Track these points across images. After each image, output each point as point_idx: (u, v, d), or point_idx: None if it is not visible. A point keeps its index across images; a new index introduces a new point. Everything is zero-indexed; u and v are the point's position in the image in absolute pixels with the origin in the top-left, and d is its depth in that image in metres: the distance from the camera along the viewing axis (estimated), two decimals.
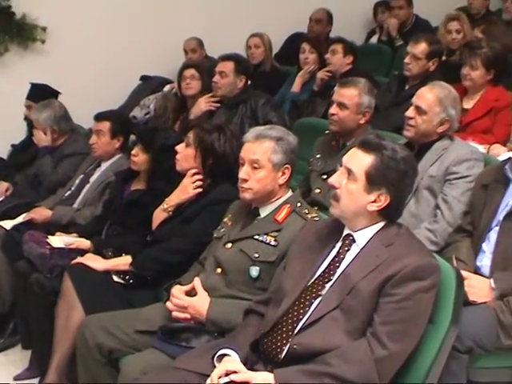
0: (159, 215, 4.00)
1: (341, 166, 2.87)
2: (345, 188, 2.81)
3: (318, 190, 4.37)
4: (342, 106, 4.41)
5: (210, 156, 3.89)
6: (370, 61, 6.95)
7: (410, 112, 3.96)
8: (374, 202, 2.79)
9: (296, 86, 6.24)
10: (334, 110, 4.45)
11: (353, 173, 2.79)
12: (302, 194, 4.28)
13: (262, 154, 3.32)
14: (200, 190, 3.91)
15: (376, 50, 7.49)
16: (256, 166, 3.32)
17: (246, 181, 3.33)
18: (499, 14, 7.52)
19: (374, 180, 2.77)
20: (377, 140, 2.83)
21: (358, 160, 2.80)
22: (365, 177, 2.78)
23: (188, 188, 3.92)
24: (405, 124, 4.00)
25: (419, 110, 3.93)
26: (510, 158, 3.55)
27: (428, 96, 3.95)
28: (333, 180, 2.86)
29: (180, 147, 3.96)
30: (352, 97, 4.41)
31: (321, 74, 6.03)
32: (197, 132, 3.92)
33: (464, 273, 3.27)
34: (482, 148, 4.42)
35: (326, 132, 4.65)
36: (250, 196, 3.34)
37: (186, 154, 3.93)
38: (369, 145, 2.81)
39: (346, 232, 2.89)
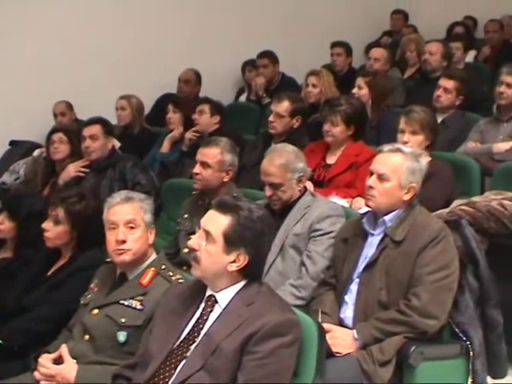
0: None
1: (199, 228, 2.92)
2: (204, 250, 2.86)
3: (186, 250, 4.39)
4: (205, 165, 4.52)
5: (81, 226, 3.88)
6: (239, 119, 7.12)
7: (268, 191, 4.09)
8: (234, 262, 2.84)
9: (165, 147, 6.33)
10: (197, 169, 4.55)
11: (211, 235, 2.84)
12: (172, 254, 4.37)
13: (135, 214, 3.37)
14: None
15: (245, 109, 7.67)
16: (132, 225, 3.36)
17: (124, 242, 3.34)
18: (362, 69, 7.82)
19: (231, 241, 2.82)
20: (232, 201, 2.90)
21: (215, 222, 2.86)
22: (223, 238, 2.83)
23: None
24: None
25: (273, 186, 4.06)
26: (367, 212, 3.69)
27: (272, 170, 4.09)
28: (192, 242, 2.91)
29: (48, 226, 3.90)
30: (214, 155, 4.52)
31: (189, 135, 6.13)
32: (65, 208, 3.88)
33: (327, 325, 3.39)
34: (345, 202, 4.56)
35: (193, 192, 4.71)
36: (130, 257, 3.35)
37: (57, 232, 3.89)
38: (225, 206, 2.88)
39: (208, 293, 2.93)
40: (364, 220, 3.64)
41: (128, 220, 3.37)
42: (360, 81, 6.01)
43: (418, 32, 9.11)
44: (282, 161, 4.07)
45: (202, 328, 2.86)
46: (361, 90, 5.95)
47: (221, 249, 2.83)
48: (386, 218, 3.55)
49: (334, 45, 7.91)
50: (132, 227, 3.37)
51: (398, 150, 3.59)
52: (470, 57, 8.55)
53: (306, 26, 8.90)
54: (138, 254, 3.36)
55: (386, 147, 3.64)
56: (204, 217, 2.93)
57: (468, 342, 3.53)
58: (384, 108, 5.98)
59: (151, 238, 3.42)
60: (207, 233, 2.85)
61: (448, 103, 5.76)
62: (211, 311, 2.89)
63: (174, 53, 7.73)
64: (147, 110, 7.26)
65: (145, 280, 3.34)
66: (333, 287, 3.69)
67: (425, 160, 3.80)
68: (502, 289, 3.80)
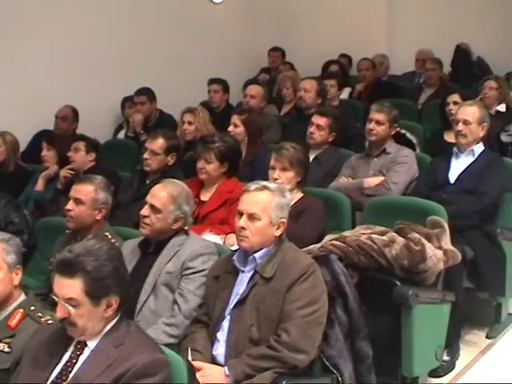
0: None
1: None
2: (75, 315, 2.81)
3: None
4: (78, 201, 4.50)
5: None
6: (117, 156, 7.10)
7: (145, 211, 4.06)
8: (108, 307, 2.83)
9: (39, 186, 6.24)
10: (70, 205, 4.52)
11: (74, 299, 2.80)
12: (45, 295, 4.27)
13: None
14: None
15: (123, 145, 7.63)
16: None
17: None
18: (240, 106, 7.92)
19: (96, 295, 2.81)
20: (73, 259, 2.82)
21: (70, 288, 2.80)
22: (86, 297, 2.80)
23: None
24: (140, 222, 4.08)
25: (154, 209, 4.03)
26: (238, 249, 3.72)
27: (161, 194, 4.07)
28: (59, 314, 2.84)
29: None
30: (88, 193, 4.50)
31: (64, 172, 6.07)
32: None
33: (198, 363, 3.42)
34: (218, 238, 4.60)
35: (67, 231, 4.66)
36: None
37: None
38: (69, 269, 2.80)
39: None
40: (234, 257, 3.68)
41: None
42: (235, 119, 6.08)
43: (295, 69, 9.33)
44: (174, 192, 4.07)
45: (70, 371, 2.83)
46: (236, 127, 6.02)
47: (90, 306, 2.81)
48: (256, 255, 3.60)
49: (211, 82, 7.97)
50: None
51: (265, 188, 3.65)
52: (345, 94, 8.82)
53: (184, 63, 8.97)
54: (1, 297, 3.28)
55: (252, 186, 3.68)
56: (55, 286, 2.86)
57: (339, 375, 3.60)
58: (259, 144, 6.06)
59: (16, 278, 3.32)
60: (70, 299, 2.80)
61: (321, 140, 5.88)
62: (80, 354, 2.86)
63: (51, 89, 7.60)
64: (24, 146, 7.13)
65: (13, 322, 3.25)
66: (205, 325, 3.69)
67: (290, 195, 3.87)
68: (372, 321, 3.90)
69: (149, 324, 3.79)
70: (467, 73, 8.93)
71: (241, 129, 6.02)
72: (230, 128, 6.04)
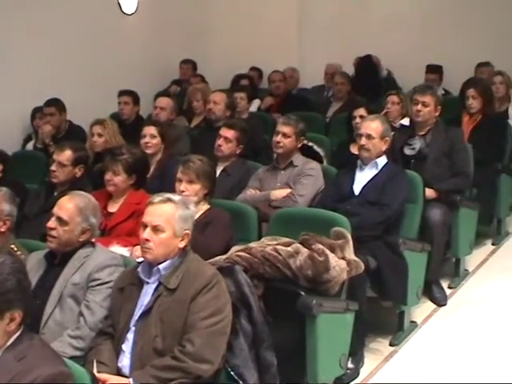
0: None
1: None
2: None
3: None
4: None
5: None
6: (25, 167, 6.98)
7: (51, 223, 4.04)
8: (11, 321, 2.80)
9: None
10: None
11: None
12: None
13: None
14: None
15: (31, 157, 7.53)
16: None
17: None
18: (149, 119, 7.91)
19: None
20: None
21: None
22: None
23: None
24: (47, 235, 4.06)
25: (60, 221, 4.02)
26: (143, 261, 3.75)
27: (68, 206, 4.06)
28: None
29: None
30: None
31: None
32: None
33: (104, 375, 3.44)
34: (125, 250, 4.61)
35: None
36: None
37: None
38: None
39: None
40: (139, 269, 3.71)
41: None
42: (151, 129, 6.13)
43: (206, 82, 9.39)
44: (81, 204, 4.07)
45: None
46: (153, 138, 6.07)
47: None
48: (161, 266, 3.63)
49: (121, 93, 7.95)
50: None
51: (169, 200, 3.70)
52: (255, 106, 8.91)
53: (95, 74, 8.93)
54: None
55: (157, 198, 3.73)
56: None
57: None
58: (168, 157, 6.10)
59: None
60: None
61: (229, 152, 5.95)
62: None
63: None
64: None
65: None
66: (111, 336, 3.70)
67: (194, 207, 3.94)
68: (278, 331, 3.98)
69: (55, 336, 3.77)
70: (375, 86, 9.15)
71: (158, 140, 6.05)
72: (147, 139, 6.06)
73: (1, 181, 5.78)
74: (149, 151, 5.99)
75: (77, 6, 8.67)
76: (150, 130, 6.14)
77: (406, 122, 6.86)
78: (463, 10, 9.60)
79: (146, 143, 6.04)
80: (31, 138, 8.20)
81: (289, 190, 5.57)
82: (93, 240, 4.14)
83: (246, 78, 9.67)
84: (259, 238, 4.81)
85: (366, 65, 9.49)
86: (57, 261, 4.06)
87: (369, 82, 9.29)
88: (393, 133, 5.71)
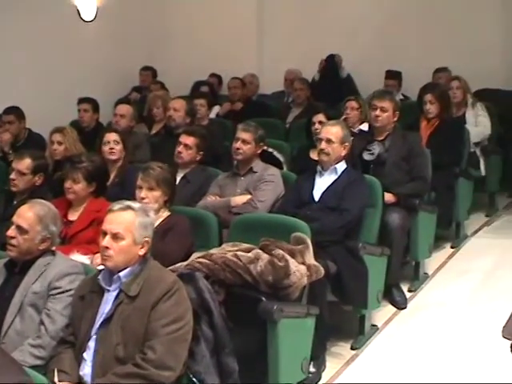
0: None
1: None
2: None
3: None
4: None
5: None
6: None
7: (11, 231, 4.03)
8: None
9: None
10: None
11: None
12: None
13: None
14: None
15: None
16: None
17: None
18: (109, 126, 7.86)
19: None
20: None
21: None
22: None
23: None
24: (7, 243, 4.04)
25: (20, 229, 4.01)
26: (103, 269, 3.75)
27: (28, 215, 4.05)
28: None
29: None
30: None
31: None
32: None
33: None
34: (86, 258, 4.60)
35: None
36: None
37: None
38: None
39: None
40: (100, 277, 3.71)
41: None
42: (114, 136, 6.13)
43: (166, 89, 9.38)
44: (41, 212, 4.07)
45: None
46: (117, 145, 6.07)
47: None
48: (121, 274, 3.64)
49: (81, 101, 7.92)
50: None
51: (128, 208, 3.71)
52: (215, 112, 8.93)
53: (54, 81, 8.89)
54: None
55: (116, 206, 3.73)
56: None
57: None
58: (128, 164, 6.09)
59: None
60: None
61: (189, 159, 5.96)
62: None
63: None
64: None
65: None
66: (72, 345, 3.70)
67: (154, 214, 3.95)
68: (240, 336, 4.00)
69: (15, 345, 3.76)
70: (335, 88, 9.21)
71: (120, 146, 6.07)
72: (111, 145, 6.06)
73: None
74: (113, 157, 6.01)
75: (35, 12, 8.64)
76: (113, 136, 6.13)
77: (364, 127, 6.90)
78: (423, 16, 9.72)
79: (111, 149, 6.04)
80: None
81: (249, 196, 5.59)
82: (53, 248, 4.14)
83: (206, 84, 9.71)
84: (220, 244, 4.83)
85: (329, 66, 9.57)
86: (17, 269, 4.05)
87: (330, 85, 9.38)
88: (352, 138, 5.74)
